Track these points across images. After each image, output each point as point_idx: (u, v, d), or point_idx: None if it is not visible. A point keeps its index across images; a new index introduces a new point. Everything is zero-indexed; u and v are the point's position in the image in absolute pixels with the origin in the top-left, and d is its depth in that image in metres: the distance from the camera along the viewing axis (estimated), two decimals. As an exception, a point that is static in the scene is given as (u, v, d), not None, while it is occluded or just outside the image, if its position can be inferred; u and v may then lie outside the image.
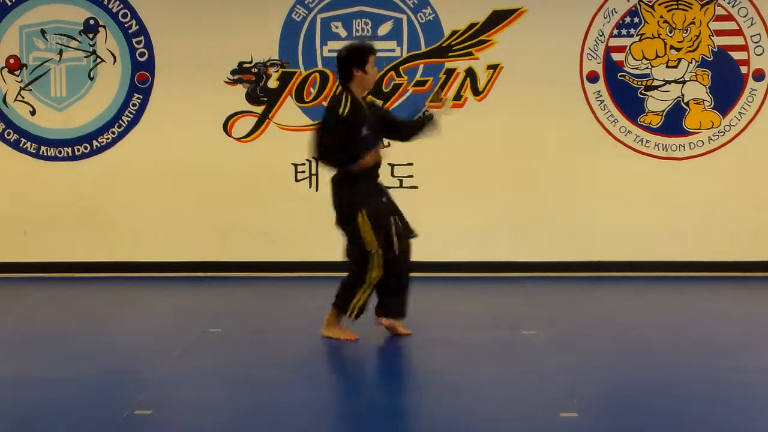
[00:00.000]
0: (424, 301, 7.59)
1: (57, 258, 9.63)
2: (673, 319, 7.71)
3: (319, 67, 9.41)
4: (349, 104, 6.68)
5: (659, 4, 9.33)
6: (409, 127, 7.06)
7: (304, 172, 9.30)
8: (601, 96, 9.41)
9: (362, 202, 6.69)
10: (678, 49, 9.35)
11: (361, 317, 6.81)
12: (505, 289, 8.90)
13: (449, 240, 9.47)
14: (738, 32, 9.32)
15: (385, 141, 7.15)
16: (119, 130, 9.59)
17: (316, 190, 9.32)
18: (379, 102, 6.92)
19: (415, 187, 9.48)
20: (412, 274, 6.91)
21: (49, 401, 5.42)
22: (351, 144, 6.66)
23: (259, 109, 9.51)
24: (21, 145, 9.62)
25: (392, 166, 9.38)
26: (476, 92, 9.42)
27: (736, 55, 9.35)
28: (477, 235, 9.51)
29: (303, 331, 7.05)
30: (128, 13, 9.50)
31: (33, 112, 9.60)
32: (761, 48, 9.33)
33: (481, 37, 9.40)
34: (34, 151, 9.63)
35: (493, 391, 5.62)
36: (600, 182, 9.48)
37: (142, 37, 9.51)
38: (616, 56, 9.39)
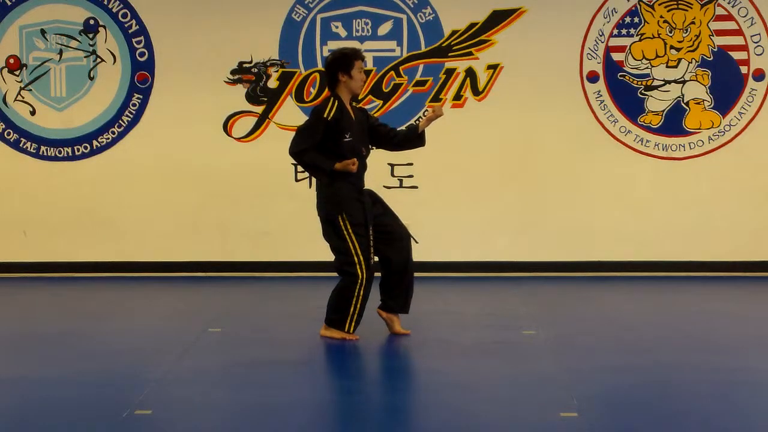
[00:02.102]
0: (424, 301, 7.59)
1: (57, 258, 9.64)
2: (673, 319, 7.71)
3: (319, 67, 9.41)
4: (334, 108, 6.72)
5: (659, 4, 9.33)
6: (397, 139, 7.04)
7: (304, 171, 9.29)
8: (601, 96, 9.42)
9: (342, 208, 6.71)
10: (678, 49, 9.35)
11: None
12: (505, 289, 8.90)
13: (449, 240, 9.48)
14: (738, 32, 9.32)
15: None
16: (119, 130, 9.59)
17: (316, 189, 9.30)
18: (378, 101, 6.91)
19: (415, 187, 9.49)
20: (415, 273, 6.93)
21: (49, 401, 5.42)
22: (334, 147, 6.71)
23: (259, 109, 9.52)
24: (21, 145, 9.63)
25: (392, 166, 9.39)
26: (476, 92, 9.42)
27: (736, 55, 9.35)
28: (477, 235, 9.51)
29: (303, 331, 7.05)
30: (128, 13, 9.50)
31: (33, 112, 9.60)
32: (761, 48, 9.33)
33: (481, 37, 9.40)
34: (34, 151, 9.64)
35: (493, 391, 5.62)
36: (600, 182, 9.48)
37: (142, 37, 9.52)
38: (616, 56, 9.39)
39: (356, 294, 6.71)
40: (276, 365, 6.19)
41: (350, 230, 6.70)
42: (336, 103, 6.75)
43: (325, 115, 6.70)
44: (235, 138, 9.55)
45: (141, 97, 9.56)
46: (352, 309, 6.74)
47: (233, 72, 9.50)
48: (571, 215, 9.47)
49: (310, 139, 6.72)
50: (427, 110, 9.28)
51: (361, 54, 6.86)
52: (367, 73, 9.13)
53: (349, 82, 6.80)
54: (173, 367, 6.13)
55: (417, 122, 6.99)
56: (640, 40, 9.37)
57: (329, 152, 6.72)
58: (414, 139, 7.02)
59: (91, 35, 9.54)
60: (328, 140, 6.72)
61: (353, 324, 6.78)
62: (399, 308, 6.92)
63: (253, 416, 5.17)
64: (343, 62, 6.80)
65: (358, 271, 6.69)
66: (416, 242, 6.94)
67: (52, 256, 9.64)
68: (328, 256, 6.88)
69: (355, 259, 6.69)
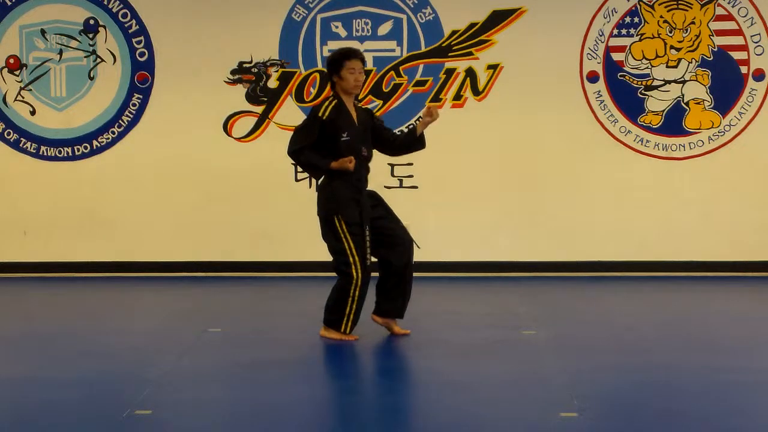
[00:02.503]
0: (423, 301, 7.59)
1: (57, 258, 9.64)
2: (673, 319, 7.71)
3: (319, 66, 9.42)
4: (330, 107, 6.72)
5: (659, 4, 9.33)
6: (397, 143, 7.02)
7: (304, 171, 9.31)
8: (601, 96, 9.42)
9: (338, 208, 6.71)
10: (678, 49, 9.35)
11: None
12: (505, 289, 8.90)
13: (449, 240, 9.48)
14: (738, 32, 9.32)
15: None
16: (119, 130, 9.60)
17: (316, 190, 9.31)
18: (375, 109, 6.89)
19: (415, 187, 9.49)
20: (415, 273, 6.92)
21: (49, 401, 5.42)
22: (331, 147, 6.70)
23: (259, 109, 9.52)
24: (21, 145, 9.63)
25: (392, 166, 9.39)
26: (476, 92, 9.42)
27: (736, 55, 9.35)
28: (477, 235, 9.51)
29: (303, 331, 7.05)
30: (128, 13, 9.51)
31: (33, 112, 9.60)
32: (761, 48, 9.33)
33: (481, 37, 9.40)
34: (34, 151, 9.64)
35: (493, 391, 5.62)
36: (600, 182, 9.48)
37: (142, 37, 9.52)
38: (616, 56, 9.39)
39: (351, 294, 6.71)
40: (276, 365, 6.19)
41: (345, 230, 6.70)
42: (333, 103, 6.75)
43: (320, 114, 6.71)
44: (235, 138, 9.55)
45: (141, 97, 9.57)
46: (347, 309, 6.74)
47: (233, 72, 9.50)
48: (571, 215, 9.47)
49: (307, 138, 6.74)
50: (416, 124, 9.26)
51: (354, 54, 6.79)
52: (368, 72, 9.12)
53: (340, 82, 6.81)
54: (173, 367, 6.13)
55: (415, 124, 6.96)
56: (640, 40, 9.37)
57: (327, 151, 6.72)
58: (414, 142, 7.00)
59: (91, 35, 9.54)
60: (325, 139, 6.72)
61: (349, 324, 6.77)
62: (395, 312, 6.90)
63: (253, 416, 5.17)
64: (334, 63, 6.82)
65: (353, 271, 6.68)
66: (418, 247, 6.92)
67: (52, 256, 9.65)
68: (328, 256, 6.88)
69: (351, 259, 6.69)
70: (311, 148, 6.73)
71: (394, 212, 6.93)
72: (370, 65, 9.33)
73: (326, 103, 6.76)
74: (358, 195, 6.75)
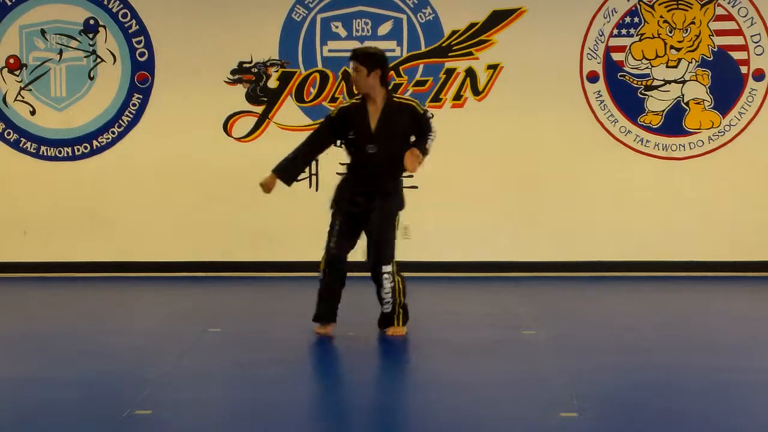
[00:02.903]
0: (423, 301, 7.59)
1: (57, 258, 9.64)
2: (673, 319, 7.71)
3: (319, 67, 9.41)
4: (340, 106, 6.91)
5: (659, 4, 9.33)
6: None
7: (304, 172, 9.30)
8: (601, 96, 9.42)
9: (334, 197, 6.93)
10: (678, 49, 9.35)
11: (329, 319, 6.93)
12: (505, 289, 8.90)
13: (449, 240, 9.47)
14: (738, 32, 9.32)
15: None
16: (119, 130, 9.59)
17: (316, 190, 9.33)
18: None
19: (415, 187, 9.47)
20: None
21: (49, 401, 5.42)
22: (344, 143, 6.89)
23: (259, 109, 9.51)
24: (21, 145, 9.63)
25: (392, 166, 9.38)
26: (476, 92, 9.42)
27: (736, 55, 9.35)
28: (477, 235, 9.51)
29: (303, 331, 7.04)
30: (128, 13, 9.50)
31: (33, 112, 9.60)
32: (761, 48, 9.33)
33: (481, 37, 9.40)
34: (34, 151, 9.63)
35: (493, 391, 5.62)
36: (600, 182, 9.48)
37: (142, 37, 9.52)
38: (616, 56, 9.39)
39: (321, 278, 6.86)
40: (276, 365, 6.19)
41: (332, 218, 6.86)
42: (352, 102, 6.90)
43: (329, 113, 6.94)
44: (235, 138, 9.55)
45: (141, 97, 9.56)
46: (318, 296, 6.89)
47: (233, 72, 9.49)
48: (571, 215, 9.47)
49: (316, 133, 6.96)
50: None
51: (352, 56, 6.86)
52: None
53: None
54: (173, 367, 6.13)
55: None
56: (640, 40, 9.37)
57: (346, 147, 6.91)
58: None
59: (91, 35, 9.54)
60: (340, 136, 6.89)
61: (317, 312, 6.89)
62: (380, 320, 6.95)
63: (253, 416, 5.17)
64: None
65: (323, 256, 6.82)
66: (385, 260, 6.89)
67: (52, 256, 9.64)
68: (328, 255, 6.89)
69: (326, 244, 6.84)
70: (310, 144, 6.90)
71: (383, 226, 6.89)
72: (370, 65, 9.31)
73: (343, 102, 6.95)
74: (354, 190, 6.79)
